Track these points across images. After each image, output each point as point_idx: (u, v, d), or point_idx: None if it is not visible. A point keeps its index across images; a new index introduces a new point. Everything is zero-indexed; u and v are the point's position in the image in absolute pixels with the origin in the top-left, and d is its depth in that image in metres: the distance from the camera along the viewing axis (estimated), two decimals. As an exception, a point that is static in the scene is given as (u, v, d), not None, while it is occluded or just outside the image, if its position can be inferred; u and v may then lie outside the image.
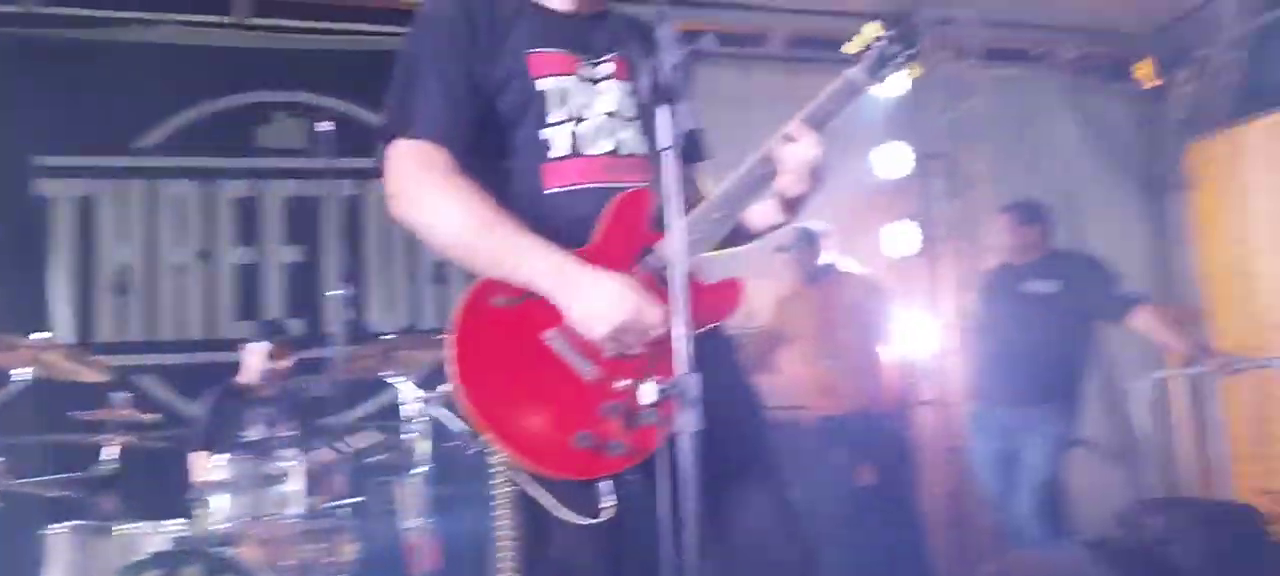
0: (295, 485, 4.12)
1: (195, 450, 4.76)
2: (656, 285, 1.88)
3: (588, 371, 1.86)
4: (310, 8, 6.10)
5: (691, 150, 2.20)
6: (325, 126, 4.24)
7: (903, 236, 6.53)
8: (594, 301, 1.83)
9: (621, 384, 1.84)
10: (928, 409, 6.56)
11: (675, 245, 1.69)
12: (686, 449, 1.57)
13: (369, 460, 4.61)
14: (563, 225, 1.95)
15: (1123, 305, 4.95)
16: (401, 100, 2.02)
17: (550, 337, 1.87)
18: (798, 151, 2.00)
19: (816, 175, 2.03)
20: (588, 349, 1.86)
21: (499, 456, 1.87)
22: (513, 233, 1.88)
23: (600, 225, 1.96)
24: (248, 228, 5.95)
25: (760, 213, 2.15)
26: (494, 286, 1.89)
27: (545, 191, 2.00)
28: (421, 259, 6.05)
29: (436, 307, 6.04)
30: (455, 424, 4.08)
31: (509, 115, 2.03)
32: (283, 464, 4.16)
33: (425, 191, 1.94)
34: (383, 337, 4.72)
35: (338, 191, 5.84)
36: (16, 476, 4.14)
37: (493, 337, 1.87)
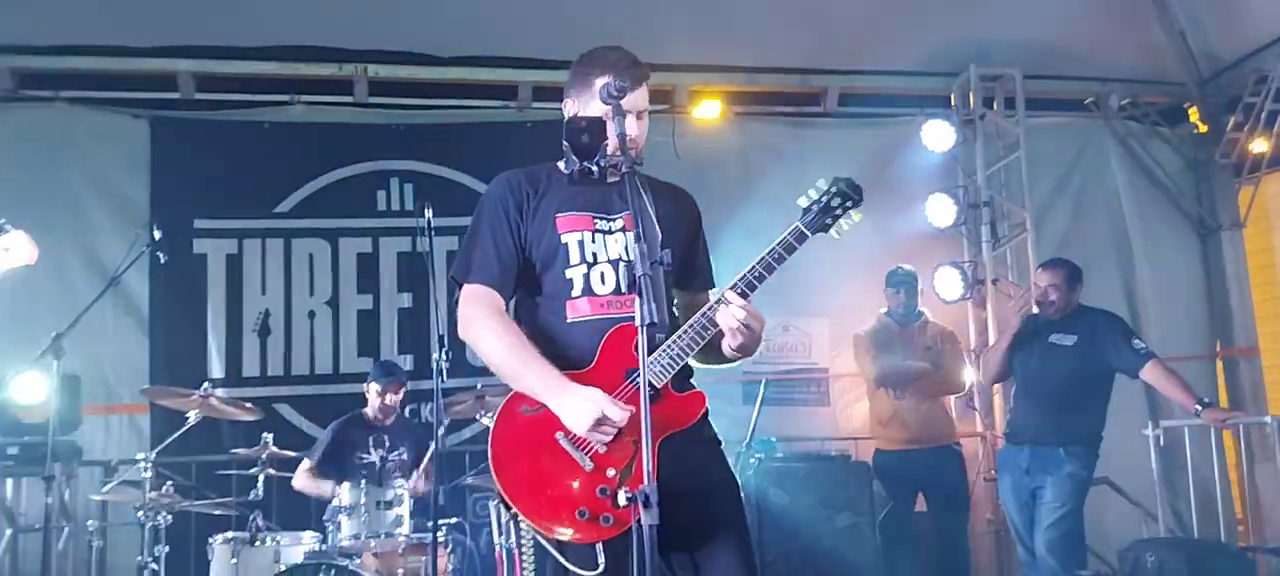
0: (404, 509, 5.01)
1: (307, 459, 5.65)
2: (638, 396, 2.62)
3: (587, 464, 2.60)
4: (418, 88, 7.07)
5: (701, 280, 2.93)
6: (427, 211, 4.99)
7: (949, 281, 7.08)
8: (575, 407, 2.51)
9: (611, 473, 2.58)
10: (973, 442, 7.13)
11: (643, 390, 2.39)
12: (647, 536, 2.24)
13: (465, 483, 5.48)
14: (578, 349, 2.68)
15: (1136, 360, 5.38)
16: (466, 254, 2.80)
17: (560, 438, 2.61)
18: (726, 316, 2.61)
19: (749, 332, 2.60)
20: (587, 447, 2.61)
21: (525, 522, 2.65)
22: (532, 359, 2.63)
23: (599, 351, 2.68)
24: (367, 278, 6.92)
25: (727, 343, 2.72)
26: (521, 398, 2.64)
27: (567, 321, 2.74)
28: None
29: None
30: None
31: (543, 262, 2.77)
32: (395, 490, 5.04)
33: (477, 325, 2.71)
34: (480, 377, 5.51)
35: (442, 247, 6.55)
36: (186, 497, 5.17)
37: (520, 437, 2.61)
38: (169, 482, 5.06)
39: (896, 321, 6.44)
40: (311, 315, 6.84)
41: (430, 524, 4.81)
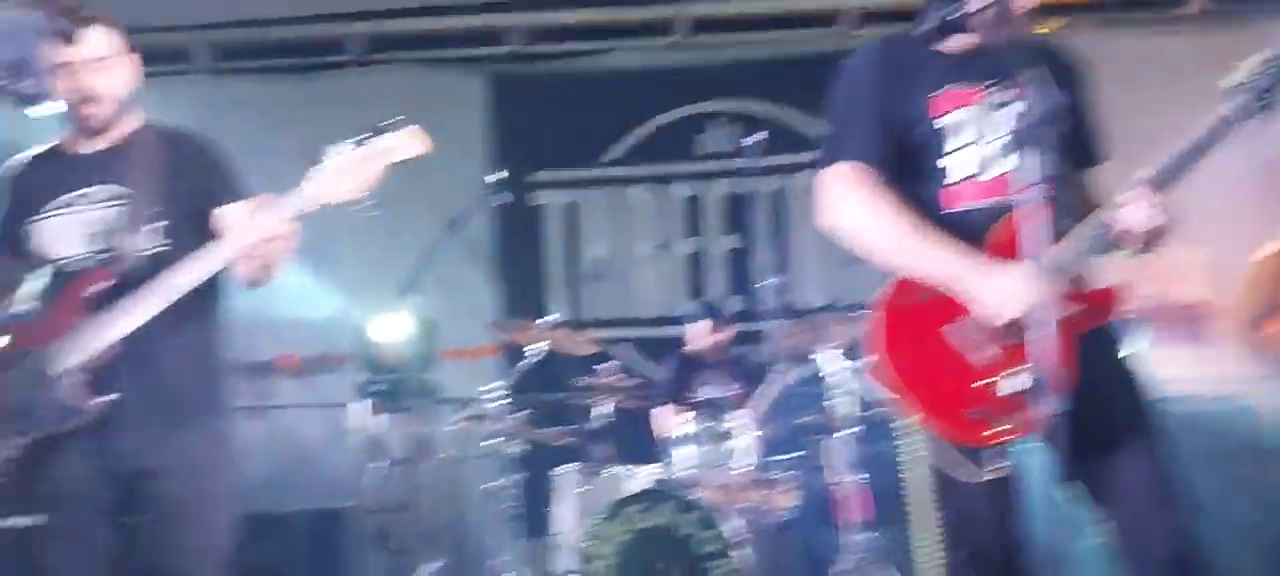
0: (743, 441, 4.92)
1: (659, 405, 5.72)
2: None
3: (980, 359, 2.32)
4: (738, 22, 6.98)
5: (1086, 155, 2.57)
6: (752, 139, 4.92)
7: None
8: (1005, 288, 2.23)
9: (1006, 373, 2.27)
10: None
11: (1032, 273, 2.13)
12: (1046, 430, 2.01)
13: (803, 419, 5.32)
14: (958, 240, 2.39)
15: None
16: (835, 134, 2.56)
17: (950, 331, 2.36)
18: (1129, 217, 2.27)
19: (1157, 235, 2.29)
20: (980, 341, 2.31)
21: (907, 420, 2.42)
22: (930, 241, 2.36)
23: (986, 244, 2.37)
24: (693, 222, 7.04)
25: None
26: (910, 285, 2.40)
27: (942, 211, 2.46)
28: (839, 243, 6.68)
29: (852, 286, 6.61)
30: (873, 393, 4.64)
31: (915, 147, 2.50)
32: (733, 423, 4.97)
33: (855, 204, 2.46)
34: (810, 315, 5.40)
35: (766, 187, 6.54)
36: (534, 428, 5.36)
37: (908, 326, 2.38)
38: (518, 415, 5.25)
39: None
40: (643, 260, 7.03)
41: (768, 460, 4.78)
